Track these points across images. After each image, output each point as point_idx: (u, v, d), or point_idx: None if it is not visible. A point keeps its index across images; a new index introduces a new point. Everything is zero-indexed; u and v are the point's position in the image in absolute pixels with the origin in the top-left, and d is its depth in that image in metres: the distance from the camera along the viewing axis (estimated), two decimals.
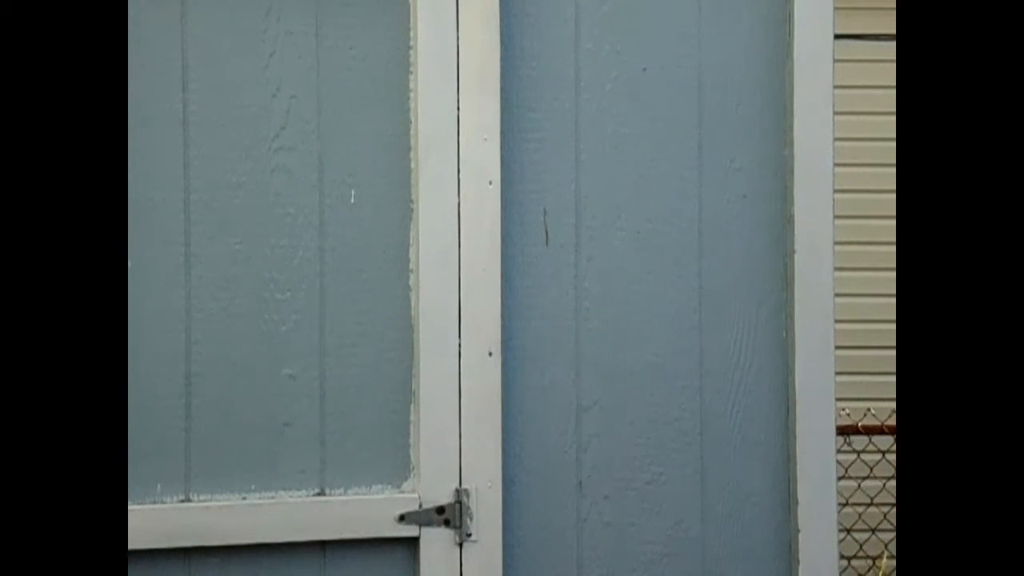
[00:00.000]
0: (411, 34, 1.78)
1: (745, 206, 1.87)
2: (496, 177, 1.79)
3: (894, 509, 4.12)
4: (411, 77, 1.79)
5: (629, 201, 1.85)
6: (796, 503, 1.85)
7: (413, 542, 1.77)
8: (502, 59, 1.79)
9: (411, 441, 1.79)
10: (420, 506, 1.77)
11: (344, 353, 1.78)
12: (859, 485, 4.18)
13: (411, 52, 1.79)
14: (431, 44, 1.77)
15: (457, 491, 1.77)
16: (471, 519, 1.77)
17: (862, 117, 4.26)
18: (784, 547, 1.86)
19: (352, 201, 1.79)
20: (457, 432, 1.78)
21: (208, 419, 1.76)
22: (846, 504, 4.12)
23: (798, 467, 1.85)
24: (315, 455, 1.78)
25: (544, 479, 1.83)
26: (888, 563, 4.13)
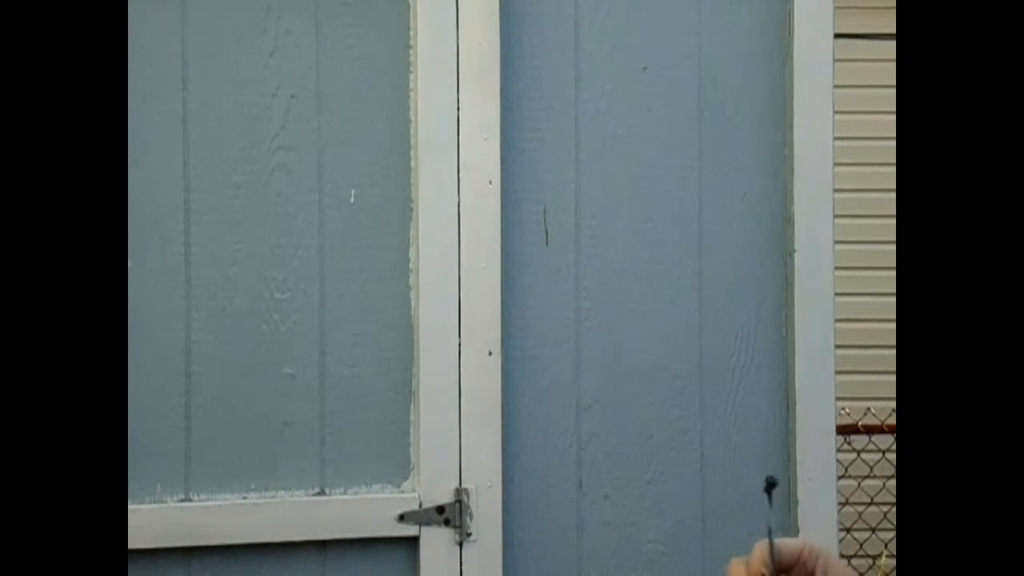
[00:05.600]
0: (411, 34, 1.78)
1: (745, 206, 1.87)
2: (496, 177, 1.79)
3: (894, 508, 4.12)
4: (411, 77, 1.79)
5: (629, 201, 1.85)
6: (796, 503, 1.85)
7: (413, 542, 1.77)
8: (502, 59, 1.79)
9: (411, 441, 1.79)
10: (420, 506, 1.77)
11: (344, 353, 1.78)
12: (859, 484, 4.18)
13: (411, 52, 1.79)
14: (431, 44, 1.77)
15: (457, 491, 1.77)
16: (471, 519, 1.77)
17: (862, 117, 4.27)
18: None
19: (352, 201, 1.78)
20: (457, 432, 1.78)
21: (208, 419, 1.76)
22: (846, 503, 4.12)
23: (798, 467, 1.85)
24: (315, 455, 1.78)
25: (544, 479, 1.83)
26: (888, 562, 4.13)
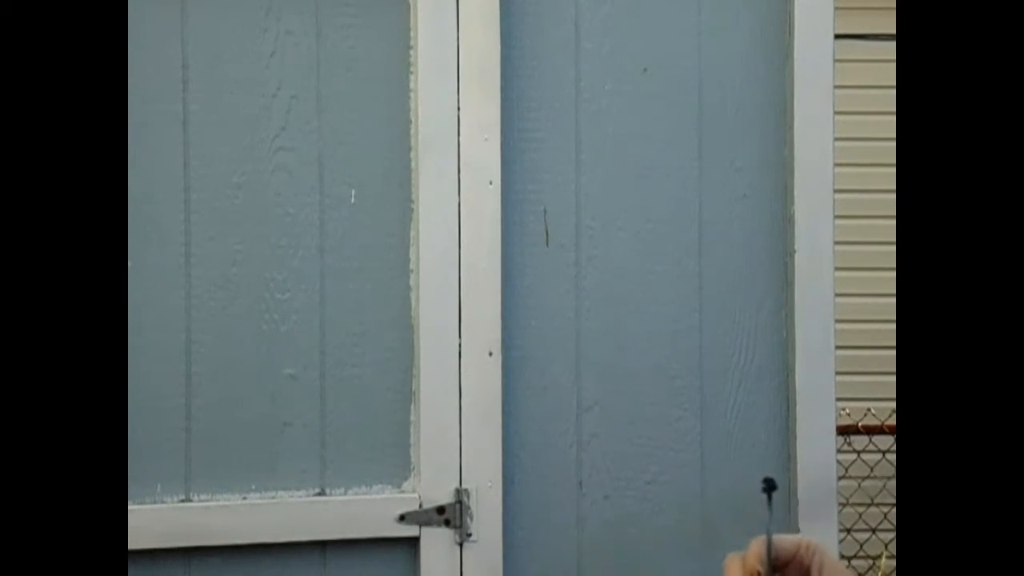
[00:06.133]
0: (411, 34, 1.78)
1: (745, 206, 1.87)
2: (496, 177, 1.78)
3: (894, 509, 4.12)
4: (411, 77, 1.79)
5: (629, 201, 1.85)
6: (796, 503, 1.85)
7: (413, 542, 1.77)
8: (502, 59, 1.79)
9: (411, 441, 1.79)
10: (420, 506, 1.77)
11: (344, 353, 1.78)
12: (859, 485, 4.18)
13: (411, 52, 1.79)
14: (431, 44, 1.77)
15: (457, 491, 1.77)
16: (471, 519, 1.77)
17: (862, 117, 4.26)
18: None
19: (352, 201, 1.78)
20: (457, 432, 1.77)
21: (208, 419, 1.75)
22: (846, 504, 4.12)
23: (798, 467, 1.84)
24: (315, 455, 1.78)
25: (544, 479, 1.83)
26: (888, 563, 4.13)
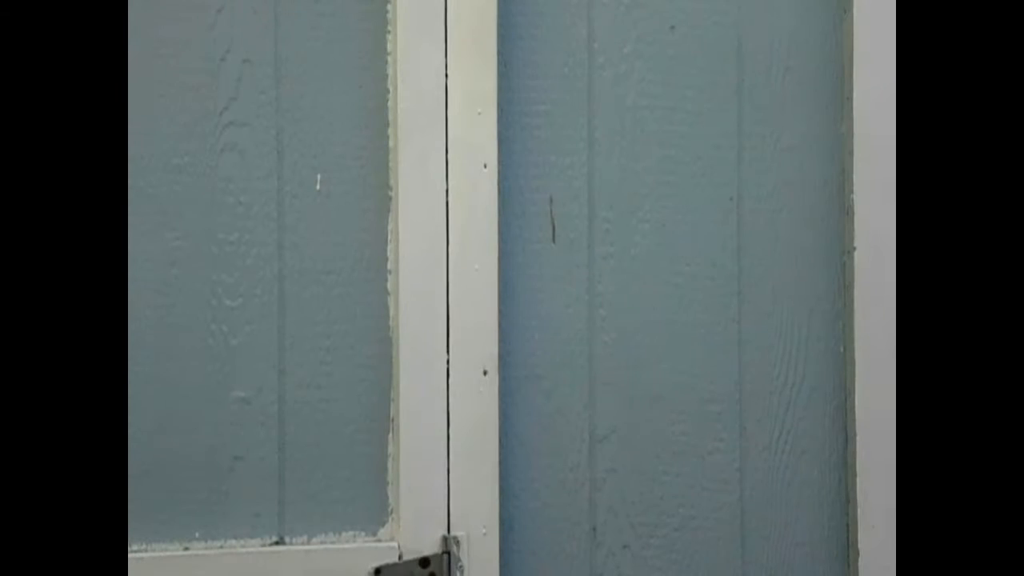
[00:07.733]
0: None
1: (793, 194, 1.78)
2: (492, 159, 1.68)
3: None
4: (388, 38, 1.68)
5: (653, 188, 1.75)
6: (857, 554, 1.73)
7: None
8: (499, 16, 1.68)
9: (389, 479, 1.68)
10: (400, 557, 1.66)
11: (308, 372, 1.68)
12: None
13: (388, 7, 1.68)
14: None
15: (445, 539, 1.66)
16: (462, 573, 1.67)
17: None
18: None
19: (318, 187, 1.68)
20: (445, 467, 1.67)
21: (142, 452, 1.65)
22: None
23: (858, 510, 1.74)
24: (272, 495, 1.67)
25: (550, 524, 1.73)
26: None
